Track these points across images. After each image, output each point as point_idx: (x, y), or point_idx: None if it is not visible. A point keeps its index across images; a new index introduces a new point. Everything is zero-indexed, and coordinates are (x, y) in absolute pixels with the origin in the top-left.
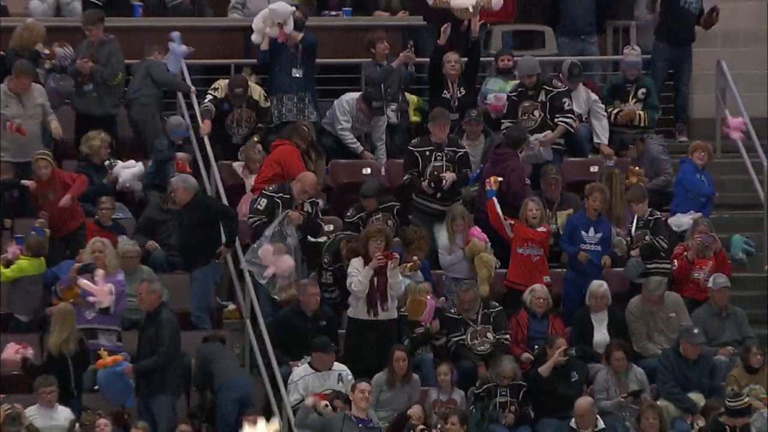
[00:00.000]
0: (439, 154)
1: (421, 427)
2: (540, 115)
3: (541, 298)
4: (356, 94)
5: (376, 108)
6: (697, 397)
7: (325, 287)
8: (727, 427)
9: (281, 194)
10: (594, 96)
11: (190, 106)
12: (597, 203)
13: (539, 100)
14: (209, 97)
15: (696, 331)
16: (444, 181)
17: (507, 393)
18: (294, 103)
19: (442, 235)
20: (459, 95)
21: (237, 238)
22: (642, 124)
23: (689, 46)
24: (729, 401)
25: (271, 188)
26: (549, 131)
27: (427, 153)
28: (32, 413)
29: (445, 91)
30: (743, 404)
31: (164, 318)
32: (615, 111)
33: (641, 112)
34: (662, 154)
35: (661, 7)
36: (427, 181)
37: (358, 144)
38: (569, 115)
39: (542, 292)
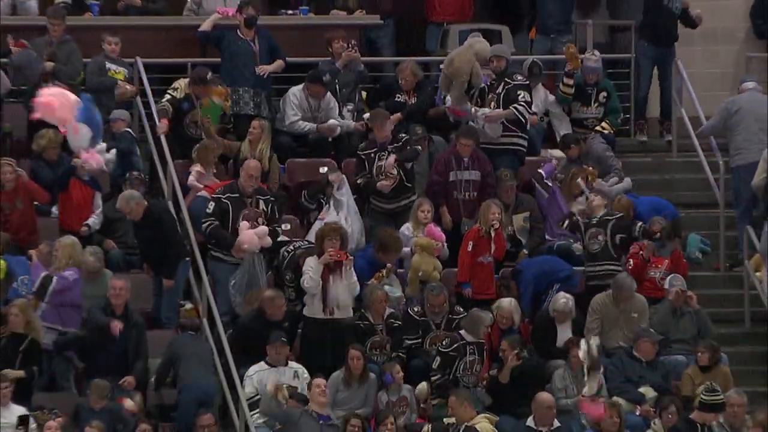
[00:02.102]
0: (383, 153)
1: None
2: (494, 108)
3: (504, 317)
4: (300, 86)
5: (327, 82)
6: (646, 390)
7: (288, 301)
8: (698, 424)
9: (229, 194)
10: (552, 97)
11: (147, 106)
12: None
13: (497, 91)
14: (167, 96)
15: (652, 330)
16: (384, 171)
17: (475, 351)
18: (251, 97)
19: (406, 228)
20: (414, 101)
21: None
22: (608, 132)
23: (673, 45)
24: (704, 395)
25: (218, 190)
26: (499, 109)
27: (372, 155)
28: None
29: (398, 95)
30: (719, 399)
31: (137, 319)
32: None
33: (605, 123)
34: (607, 151)
35: (644, 7)
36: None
37: (310, 125)
38: (523, 104)
39: (507, 311)
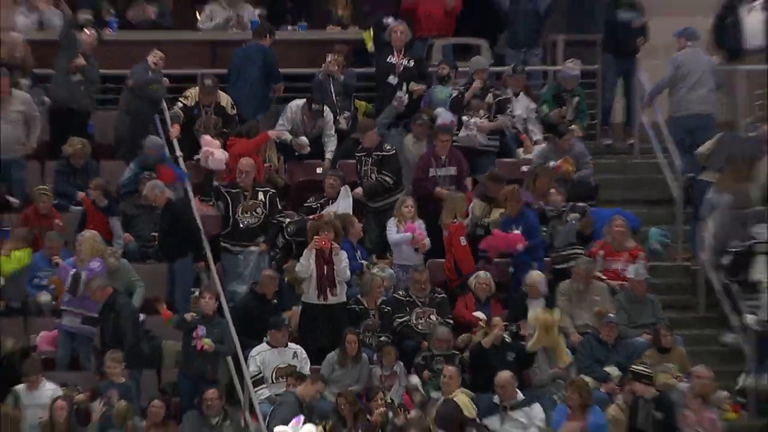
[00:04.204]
0: (367, 158)
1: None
2: (485, 114)
3: (484, 283)
4: (302, 101)
5: (314, 110)
6: (612, 369)
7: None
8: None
9: (228, 189)
10: (533, 105)
11: (161, 112)
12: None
13: (486, 100)
14: (179, 104)
15: (611, 314)
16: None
17: (442, 361)
18: None
19: (391, 222)
20: (406, 64)
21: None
22: (579, 135)
23: (634, 57)
24: (634, 367)
25: (223, 184)
26: (486, 120)
27: (362, 158)
28: (20, 389)
29: (390, 57)
30: (647, 372)
31: (122, 303)
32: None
33: (576, 125)
34: (585, 150)
35: (605, 23)
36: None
37: (288, 135)
38: (509, 117)
39: (486, 279)
